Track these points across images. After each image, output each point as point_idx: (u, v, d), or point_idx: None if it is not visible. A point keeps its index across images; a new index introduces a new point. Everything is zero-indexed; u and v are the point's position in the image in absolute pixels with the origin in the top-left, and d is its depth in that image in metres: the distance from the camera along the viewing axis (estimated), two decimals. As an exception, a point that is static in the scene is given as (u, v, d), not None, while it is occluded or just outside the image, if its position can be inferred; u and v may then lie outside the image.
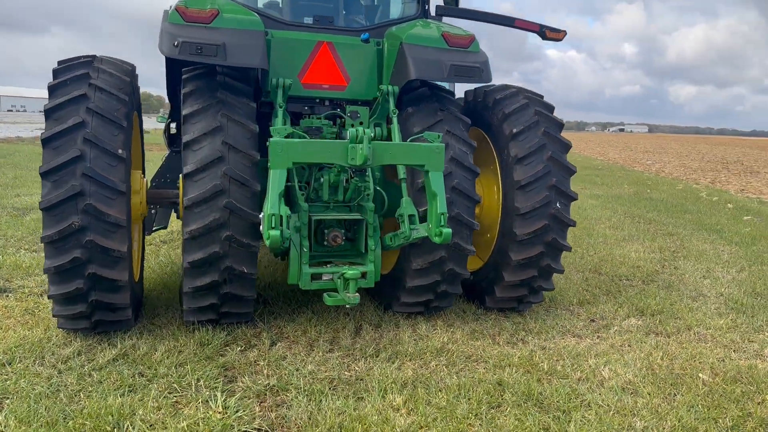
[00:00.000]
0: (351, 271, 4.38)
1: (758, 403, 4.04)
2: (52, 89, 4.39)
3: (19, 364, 4.19)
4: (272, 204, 4.01)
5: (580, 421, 3.70)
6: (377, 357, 4.56)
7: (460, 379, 4.23)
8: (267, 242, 4.01)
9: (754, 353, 5.00)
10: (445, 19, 5.88)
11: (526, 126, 5.23)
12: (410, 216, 4.62)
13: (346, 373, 4.29)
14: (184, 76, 4.78)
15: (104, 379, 4.03)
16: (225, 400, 3.80)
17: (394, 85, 5.10)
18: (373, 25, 5.64)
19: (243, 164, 4.50)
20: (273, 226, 3.99)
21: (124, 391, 3.87)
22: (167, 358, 4.37)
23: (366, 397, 3.90)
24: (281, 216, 4.06)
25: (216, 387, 3.99)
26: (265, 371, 4.27)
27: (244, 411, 3.69)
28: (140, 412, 3.60)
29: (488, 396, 3.98)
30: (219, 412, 3.65)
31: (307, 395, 3.91)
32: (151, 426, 3.48)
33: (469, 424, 3.63)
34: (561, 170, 5.21)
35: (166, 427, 3.45)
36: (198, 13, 4.57)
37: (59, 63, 4.71)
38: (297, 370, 4.28)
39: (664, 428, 3.67)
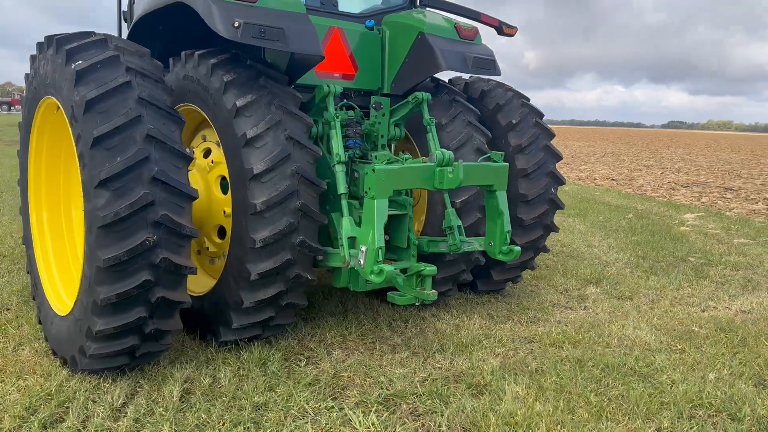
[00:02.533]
0: (429, 268, 4.27)
1: (763, 343, 4.92)
2: (82, 74, 3.50)
3: (72, 424, 3.33)
4: (379, 237, 3.77)
5: (678, 381, 4.15)
6: (447, 351, 4.52)
7: (541, 362, 4.41)
8: (374, 277, 3.77)
9: (703, 306, 6.00)
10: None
11: (522, 117, 5.54)
12: (458, 227, 4.64)
13: (439, 371, 4.19)
14: (212, 61, 4.13)
15: (204, 422, 3.41)
16: (373, 425, 3.50)
17: (415, 80, 5.01)
18: (371, 11, 5.42)
19: (307, 161, 4.09)
20: (380, 259, 3.77)
21: (246, 428, 3.35)
22: (244, 384, 3.84)
23: (490, 393, 3.88)
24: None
25: (340, 406, 3.64)
26: (359, 381, 3.98)
27: (398, 425, 3.46)
28: (302, 448, 3.17)
29: (583, 373, 4.23)
30: (375, 432, 3.38)
31: (436, 398, 3.77)
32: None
33: (602, 402, 3.84)
34: (553, 157, 5.63)
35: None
36: (242, -10, 3.99)
37: (58, 42, 3.75)
38: (391, 375, 4.07)
39: (727, 375, 4.30)
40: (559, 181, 5.67)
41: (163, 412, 3.47)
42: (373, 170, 3.82)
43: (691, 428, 3.54)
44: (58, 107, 4.16)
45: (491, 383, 3.99)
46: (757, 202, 15.11)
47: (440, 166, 4.07)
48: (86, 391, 3.67)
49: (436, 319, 5.23)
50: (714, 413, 3.76)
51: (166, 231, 3.49)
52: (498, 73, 5.27)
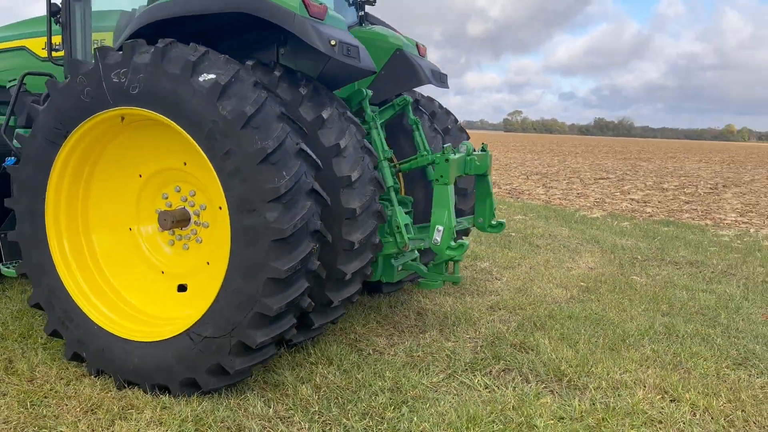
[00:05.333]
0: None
1: (633, 287, 6.74)
2: (225, 88, 3.46)
3: (254, 436, 3.39)
4: (453, 217, 4.43)
5: (626, 320, 5.63)
6: (460, 325, 5.31)
7: (531, 321, 5.48)
8: (450, 252, 4.41)
9: (566, 268, 7.73)
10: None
11: (452, 124, 6.51)
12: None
13: (478, 340, 4.99)
14: (277, 73, 4.24)
15: (369, 408, 3.75)
16: (487, 383, 4.19)
17: (393, 92, 5.58)
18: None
19: (374, 166, 4.49)
20: (454, 236, 4.45)
21: (409, 407, 3.78)
22: (356, 375, 4.17)
23: (534, 348, 4.82)
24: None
25: (447, 377, 4.23)
26: (431, 358, 4.58)
27: (508, 380, 4.21)
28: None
29: (564, 323, 5.43)
30: (511, 395, 4.10)
31: (505, 358, 4.59)
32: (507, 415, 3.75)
33: (601, 340, 5.08)
34: (474, 156, 6.71)
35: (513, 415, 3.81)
36: (318, 8, 4.18)
37: (163, 51, 3.57)
38: (447, 349, 4.74)
39: (646, 311, 5.92)
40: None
41: (322, 411, 3.69)
42: (447, 160, 4.46)
43: (672, 345, 4.99)
44: (122, 118, 3.87)
45: (525, 341, 4.94)
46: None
47: (468, 156, 4.87)
48: (225, 409, 3.64)
49: (416, 301, 5.95)
50: (667, 335, 5.30)
51: (318, 238, 3.68)
52: (447, 86, 6.15)
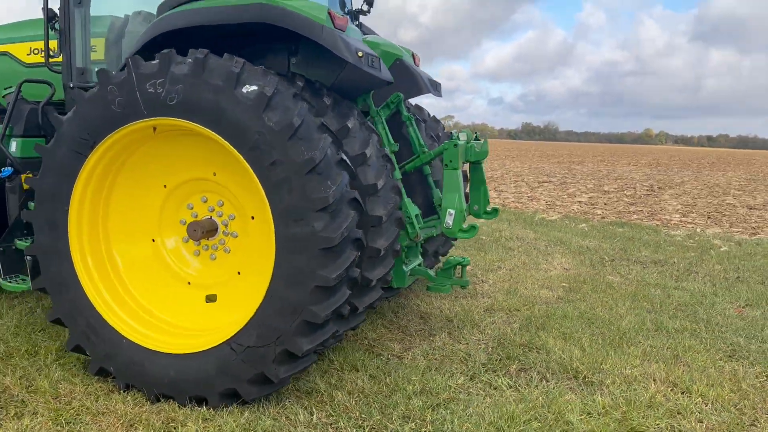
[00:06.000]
0: (466, 260, 5.20)
1: (611, 286, 7.07)
2: (270, 100, 3.49)
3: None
4: (464, 200, 4.60)
5: (617, 318, 5.91)
6: (465, 328, 5.47)
7: (531, 320, 5.69)
8: (462, 234, 4.58)
9: (543, 269, 8.01)
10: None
11: (441, 130, 6.67)
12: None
13: (488, 342, 5.15)
14: (299, 83, 4.27)
15: (408, 412, 3.84)
16: (510, 383, 4.35)
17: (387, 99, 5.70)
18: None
19: (392, 173, 4.59)
20: (465, 219, 4.62)
21: (445, 407, 3.90)
22: (386, 380, 4.25)
23: (541, 348, 5.03)
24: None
25: (470, 378, 4.37)
26: (448, 361, 4.72)
27: (529, 380, 4.39)
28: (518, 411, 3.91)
29: (562, 322, 5.66)
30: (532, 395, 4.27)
31: (520, 357, 4.77)
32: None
33: (601, 338, 5.34)
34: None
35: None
36: (341, 20, 4.24)
37: (204, 62, 3.55)
38: (462, 352, 4.88)
39: (630, 308, 6.24)
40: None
41: (364, 416, 3.75)
42: (455, 145, 4.62)
43: (666, 340, 5.29)
44: (155, 129, 3.82)
45: (532, 341, 5.14)
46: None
47: (468, 143, 5.04)
48: (269, 419, 3.67)
49: (415, 305, 6.06)
50: (658, 331, 5.61)
51: (359, 247, 3.75)
52: (441, 95, 6.30)
